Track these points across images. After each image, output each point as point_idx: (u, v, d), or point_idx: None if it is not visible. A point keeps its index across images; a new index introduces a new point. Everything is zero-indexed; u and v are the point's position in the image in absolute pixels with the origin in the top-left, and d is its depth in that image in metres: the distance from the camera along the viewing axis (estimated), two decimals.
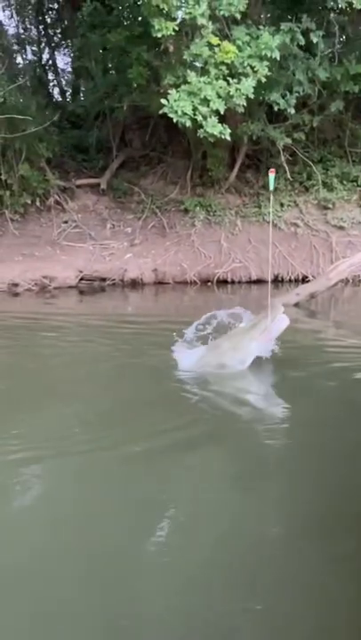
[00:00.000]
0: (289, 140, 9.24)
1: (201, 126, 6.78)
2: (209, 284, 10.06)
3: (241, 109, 7.05)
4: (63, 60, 12.96)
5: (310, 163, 10.30)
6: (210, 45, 7.10)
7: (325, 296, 9.17)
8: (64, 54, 13.02)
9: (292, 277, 10.01)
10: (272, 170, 4.98)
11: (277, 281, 10.01)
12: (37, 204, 10.15)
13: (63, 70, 12.90)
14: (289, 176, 10.03)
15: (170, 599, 2.02)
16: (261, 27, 7.52)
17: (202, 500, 2.75)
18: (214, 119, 6.71)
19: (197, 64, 7.39)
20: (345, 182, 10.38)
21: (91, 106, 10.89)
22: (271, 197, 5.02)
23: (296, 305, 7.36)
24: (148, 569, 2.18)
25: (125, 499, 2.70)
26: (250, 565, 2.20)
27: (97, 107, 10.69)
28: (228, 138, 7.00)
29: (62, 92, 12.59)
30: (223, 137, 6.89)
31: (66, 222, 10.32)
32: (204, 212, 10.52)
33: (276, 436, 3.58)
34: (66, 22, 12.12)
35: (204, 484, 2.92)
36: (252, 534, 2.43)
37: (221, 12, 6.94)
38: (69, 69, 12.95)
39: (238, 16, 7.05)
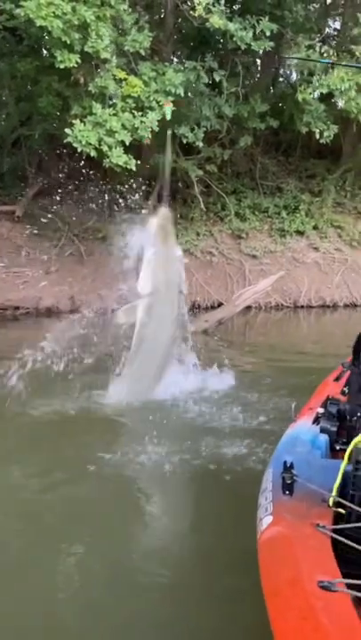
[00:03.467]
0: (201, 172, 9.53)
1: (106, 156, 6.86)
2: None
3: (147, 141, 7.21)
4: None
5: (224, 194, 10.66)
6: (117, 79, 7.26)
7: (240, 322, 9.48)
8: None
9: (208, 304, 10.21)
10: (167, 102, 5.23)
11: (194, 308, 10.17)
12: None
13: None
14: (203, 206, 10.30)
15: None
16: (168, 64, 7.79)
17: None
18: (120, 150, 6.82)
19: (115, 98, 7.52)
20: (257, 213, 10.81)
21: (4, 133, 10.74)
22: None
23: (205, 332, 7.51)
24: None
25: None
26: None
27: (11, 134, 10.58)
28: (134, 168, 7.12)
29: None
30: (129, 167, 7.00)
31: None
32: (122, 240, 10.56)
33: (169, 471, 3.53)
34: None
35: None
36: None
37: (126, 48, 7.13)
38: None
39: (143, 52, 7.27)
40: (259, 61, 12.23)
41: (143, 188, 10.75)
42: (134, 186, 10.46)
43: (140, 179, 10.53)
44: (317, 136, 8.57)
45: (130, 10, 7.15)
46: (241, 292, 7.28)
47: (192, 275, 10.30)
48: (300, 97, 8.20)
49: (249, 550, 1.89)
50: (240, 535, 2.39)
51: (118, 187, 10.83)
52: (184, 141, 8.53)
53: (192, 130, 8.45)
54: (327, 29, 10.67)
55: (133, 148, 8.97)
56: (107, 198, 10.91)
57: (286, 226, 10.59)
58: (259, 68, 12.27)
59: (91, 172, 11.27)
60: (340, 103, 8.19)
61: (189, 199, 10.81)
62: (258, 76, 10.49)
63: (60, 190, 11.38)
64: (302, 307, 10.18)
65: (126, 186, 10.52)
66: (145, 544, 2.66)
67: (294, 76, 12.55)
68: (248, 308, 9.76)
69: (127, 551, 2.57)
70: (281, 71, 13.09)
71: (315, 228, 10.67)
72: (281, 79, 13.16)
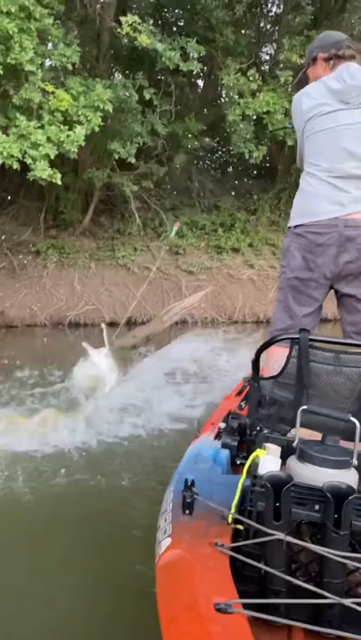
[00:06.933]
0: (135, 188, 9.55)
1: (30, 169, 6.76)
2: (60, 326, 9.86)
3: (74, 155, 7.16)
4: None
5: (161, 210, 10.72)
6: (44, 92, 7.20)
7: (177, 336, 9.50)
8: None
9: (145, 319, 10.15)
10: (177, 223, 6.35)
11: (130, 323, 10.10)
12: None
13: None
14: (139, 222, 10.31)
15: None
16: (99, 79, 7.80)
17: None
18: (44, 163, 6.72)
19: (41, 111, 7.43)
20: (194, 230, 10.92)
21: None
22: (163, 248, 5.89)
23: (133, 347, 7.45)
24: None
25: None
26: None
27: None
28: (59, 182, 7.04)
29: None
30: (54, 181, 6.92)
31: None
32: (57, 255, 10.42)
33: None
34: None
35: None
36: None
37: (53, 62, 7.10)
38: None
39: (71, 67, 7.25)
40: (201, 82, 12.54)
41: (79, 202, 10.72)
42: (70, 199, 10.44)
43: (76, 193, 10.51)
44: (247, 156, 8.78)
45: (57, 24, 7.13)
46: (168, 308, 7.27)
47: (129, 290, 10.29)
48: (230, 118, 8.38)
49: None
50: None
51: (54, 200, 10.76)
52: (116, 157, 8.53)
53: (124, 146, 8.46)
54: (261, 55, 11.01)
55: (70, 163, 8.93)
56: (42, 212, 10.79)
57: (222, 243, 10.74)
58: (200, 89, 12.54)
59: (25, 185, 11.14)
60: (270, 126, 8.41)
61: (127, 214, 10.82)
62: (192, 96, 10.66)
63: None
64: (237, 322, 10.30)
65: (62, 200, 10.50)
66: (28, 574, 2.53)
67: (237, 98, 12.91)
68: (184, 322, 9.82)
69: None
70: (223, 92, 13.42)
71: (250, 245, 10.86)
72: (222, 100, 13.49)
